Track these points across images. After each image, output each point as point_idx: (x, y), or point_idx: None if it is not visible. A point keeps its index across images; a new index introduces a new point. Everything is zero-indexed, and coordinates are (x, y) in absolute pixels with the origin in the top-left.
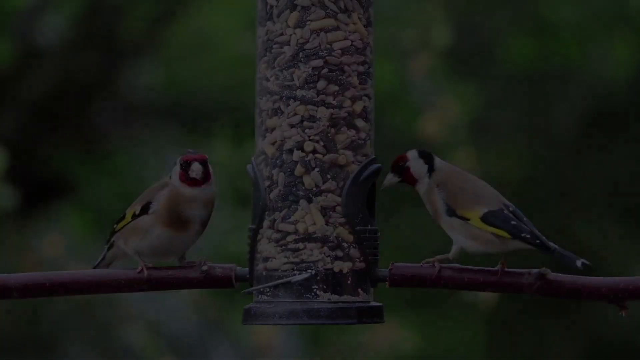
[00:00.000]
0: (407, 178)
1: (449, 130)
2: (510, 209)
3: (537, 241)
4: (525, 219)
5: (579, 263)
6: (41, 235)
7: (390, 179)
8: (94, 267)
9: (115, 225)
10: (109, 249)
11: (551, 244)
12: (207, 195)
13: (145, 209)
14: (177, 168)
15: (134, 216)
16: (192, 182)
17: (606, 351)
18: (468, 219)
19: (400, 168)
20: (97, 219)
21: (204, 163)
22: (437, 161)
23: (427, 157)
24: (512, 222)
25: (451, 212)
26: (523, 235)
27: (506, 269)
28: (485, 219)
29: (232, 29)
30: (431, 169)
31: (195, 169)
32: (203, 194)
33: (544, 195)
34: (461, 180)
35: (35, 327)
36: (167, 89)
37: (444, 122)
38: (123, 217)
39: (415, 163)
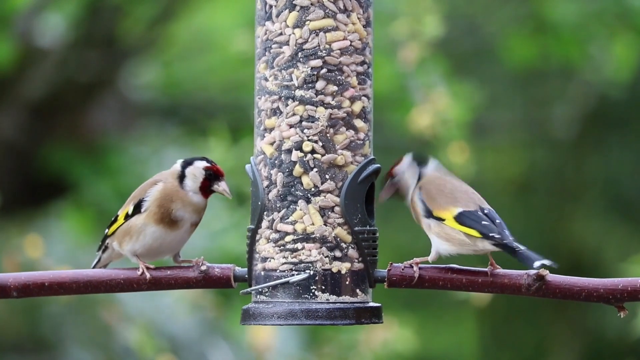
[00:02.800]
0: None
1: (442, 124)
2: (485, 211)
3: (504, 241)
4: (498, 220)
5: (537, 264)
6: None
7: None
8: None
9: (107, 230)
10: (103, 251)
11: (518, 245)
12: (203, 204)
13: (137, 207)
14: (200, 175)
15: (127, 216)
16: (209, 194)
17: (606, 351)
18: (443, 220)
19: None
20: (96, 218)
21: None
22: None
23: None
24: (484, 222)
25: (428, 214)
26: (491, 235)
27: (501, 270)
28: (458, 218)
29: (231, 28)
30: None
31: (224, 187)
32: (201, 202)
33: (544, 194)
34: (441, 183)
35: (35, 327)
36: (167, 88)
37: (437, 116)
38: (115, 220)
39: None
